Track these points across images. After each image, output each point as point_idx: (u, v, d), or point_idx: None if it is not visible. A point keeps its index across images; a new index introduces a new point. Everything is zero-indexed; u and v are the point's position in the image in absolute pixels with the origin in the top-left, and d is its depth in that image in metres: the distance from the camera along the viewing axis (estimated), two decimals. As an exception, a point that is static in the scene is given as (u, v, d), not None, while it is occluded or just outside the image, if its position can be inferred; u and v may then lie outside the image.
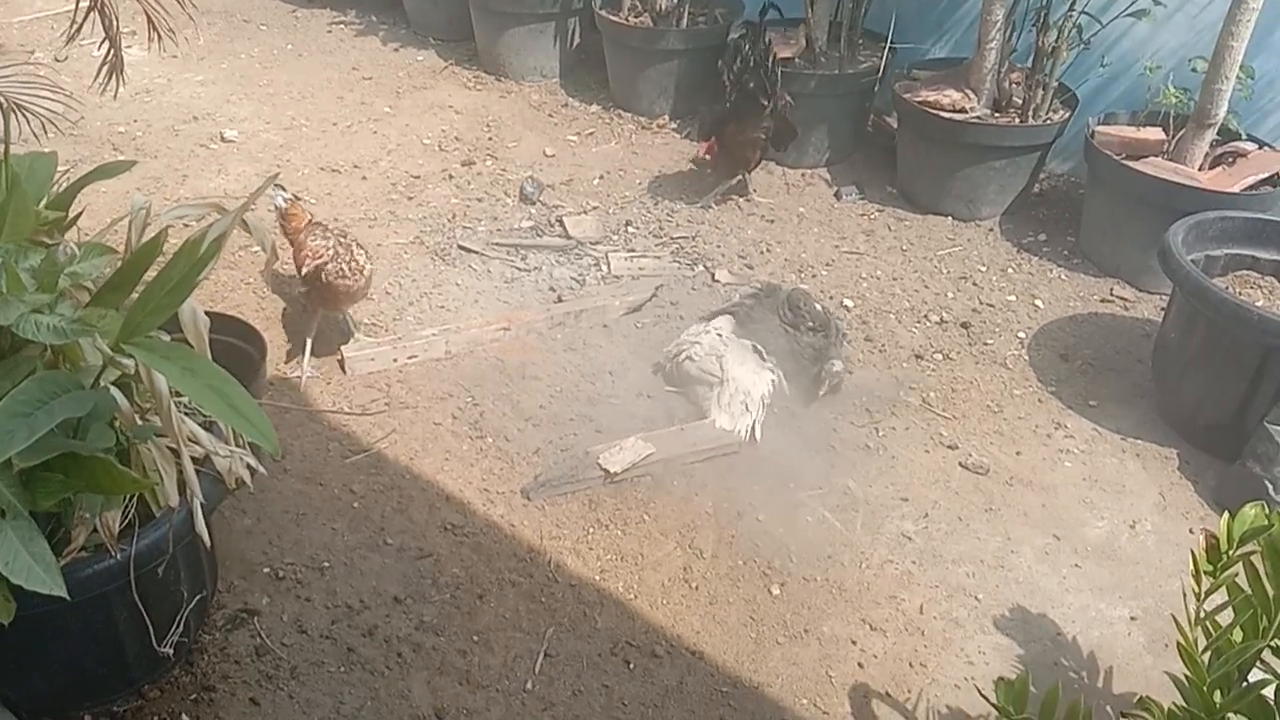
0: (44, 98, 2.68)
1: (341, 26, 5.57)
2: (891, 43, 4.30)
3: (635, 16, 4.63)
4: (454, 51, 5.26)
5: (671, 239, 3.85)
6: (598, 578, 2.53)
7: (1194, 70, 3.64)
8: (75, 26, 2.45)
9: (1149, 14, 3.58)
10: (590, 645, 2.37)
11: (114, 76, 2.52)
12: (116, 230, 1.97)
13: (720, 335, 3.09)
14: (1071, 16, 3.65)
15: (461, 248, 3.70)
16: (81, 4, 2.36)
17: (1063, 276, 3.76)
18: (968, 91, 3.88)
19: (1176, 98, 3.65)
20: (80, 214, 1.93)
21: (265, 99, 4.73)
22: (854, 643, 2.42)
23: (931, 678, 2.35)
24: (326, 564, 2.51)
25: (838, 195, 4.19)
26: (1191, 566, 1.69)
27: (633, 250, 3.76)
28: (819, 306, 3.21)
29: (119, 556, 1.77)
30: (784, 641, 2.41)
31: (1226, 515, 1.65)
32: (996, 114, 3.90)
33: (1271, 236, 3.11)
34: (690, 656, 2.36)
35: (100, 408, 1.63)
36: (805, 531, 2.69)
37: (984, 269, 3.78)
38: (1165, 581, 2.61)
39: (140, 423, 1.74)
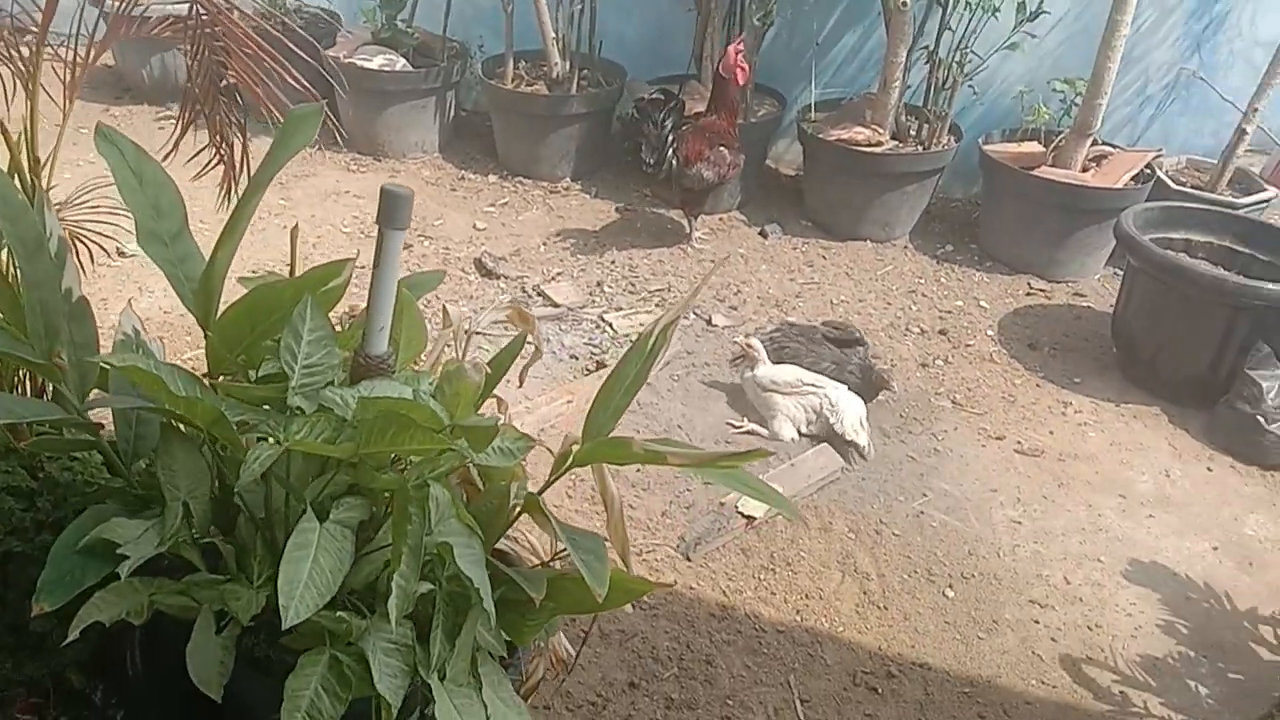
0: (101, 222, 2.44)
1: (170, 121, 5.09)
2: (777, 91, 4.70)
3: (528, 85, 4.66)
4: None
5: (649, 292, 3.94)
6: (798, 619, 2.60)
7: (1055, 90, 4.28)
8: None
9: (1020, 46, 4.17)
10: (832, 682, 2.44)
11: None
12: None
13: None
14: (962, 53, 4.16)
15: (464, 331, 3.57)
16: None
17: (985, 279, 4.26)
18: (874, 127, 4.30)
19: (1049, 114, 4.27)
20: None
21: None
22: (1036, 622, 2.66)
23: (1110, 634, 2.64)
24: (543, 668, 2.38)
25: (763, 233, 4.46)
26: None
27: (620, 309, 3.81)
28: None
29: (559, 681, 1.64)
30: (984, 636, 2.60)
31: None
32: (900, 145, 4.35)
33: (1183, 220, 3.74)
34: (920, 669, 2.49)
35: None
36: (936, 536, 2.90)
37: (922, 282, 4.20)
38: (1217, 513, 3.07)
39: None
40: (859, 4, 4.67)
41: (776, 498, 1.52)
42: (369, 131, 4.78)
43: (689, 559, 2.73)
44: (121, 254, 3.83)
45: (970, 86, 4.42)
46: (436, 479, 1.39)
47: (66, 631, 1.41)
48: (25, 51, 1.73)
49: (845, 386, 3.25)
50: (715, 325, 3.77)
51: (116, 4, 2.11)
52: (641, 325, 3.71)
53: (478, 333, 1.94)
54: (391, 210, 1.44)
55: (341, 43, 4.86)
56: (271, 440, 1.30)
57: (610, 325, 3.68)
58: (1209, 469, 3.26)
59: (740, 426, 3.24)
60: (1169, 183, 4.11)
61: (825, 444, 3.14)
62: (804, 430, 3.21)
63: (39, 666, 1.68)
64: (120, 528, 1.44)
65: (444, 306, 1.97)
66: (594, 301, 3.85)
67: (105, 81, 5.40)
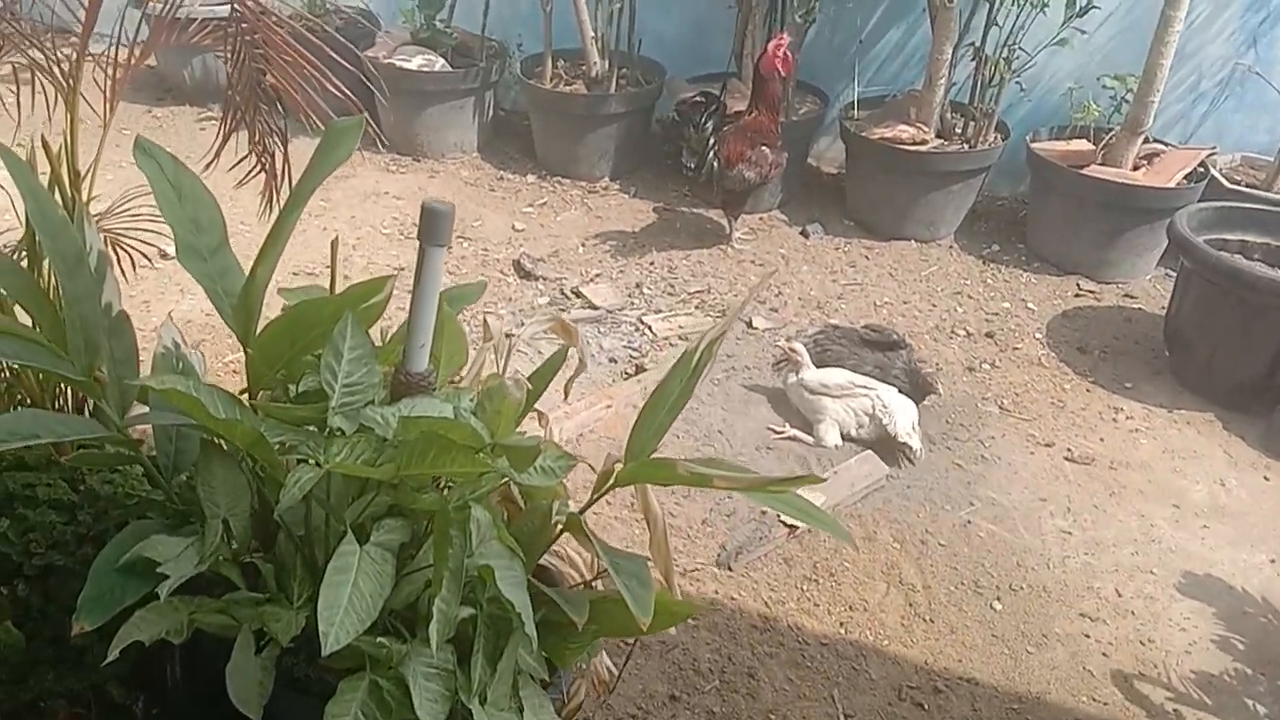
0: (143, 230, 2.45)
1: (212, 123, 5.13)
2: (819, 89, 4.64)
3: (567, 84, 4.64)
4: (352, 136, 4.99)
5: (689, 294, 3.90)
6: (842, 631, 2.55)
7: (1105, 87, 4.19)
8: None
9: (1069, 42, 4.07)
10: (877, 697, 2.39)
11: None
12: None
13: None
14: (1009, 49, 4.07)
15: (505, 334, 3.55)
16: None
17: (1033, 280, 4.17)
18: (919, 125, 4.22)
19: (1099, 111, 4.17)
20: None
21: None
22: (1087, 636, 2.59)
23: (1164, 650, 2.56)
24: (583, 679, 2.36)
25: (804, 234, 4.40)
26: None
27: (659, 311, 3.77)
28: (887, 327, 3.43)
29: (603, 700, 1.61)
30: (1033, 650, 2.54)
31: None
32: (945, 143, 4.27)
33: (1239, 220, 3.63)
34: (967, 685, 2.43)
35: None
36: (984, 546, 2.83)
37: (969, 282, 4.12)
38: (1275, 523, 2.98)
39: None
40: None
41: (822, 518, 1.48)
42: (408, 132, 4.77)
43: (730, 569, 2.69)
44: (164, 256, 3.85)
45: (1017, 83, 4.32)
46: (478, 500, 1.37)
47: (107, 647, 1.41)
48: (67, 55, 1.72)
49: (895, 389, 3.19)
50: (756, 328, 3.72)
51: (159, 4, 2.11)
52: (681, 328, 3.67)
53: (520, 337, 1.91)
54: (432, 227, 1.41)
55: (380, 43, 4.86)
56: (312, 462, 1.28)
57: (649, 328, 3.64)
58: (1265, 478, 3.16)
59: (782, 432, 3.19)
60: (1223, 181, 3.99)
61: (869, 451, 3.08)
62: (853, 434, 3.15)
63: (80, 679, 1.68)
64: (160, 545, 1.43)
65: (484, 319, 1.94)
66: (633, 303, 3.82)
67: (147, 83, 5.44)
